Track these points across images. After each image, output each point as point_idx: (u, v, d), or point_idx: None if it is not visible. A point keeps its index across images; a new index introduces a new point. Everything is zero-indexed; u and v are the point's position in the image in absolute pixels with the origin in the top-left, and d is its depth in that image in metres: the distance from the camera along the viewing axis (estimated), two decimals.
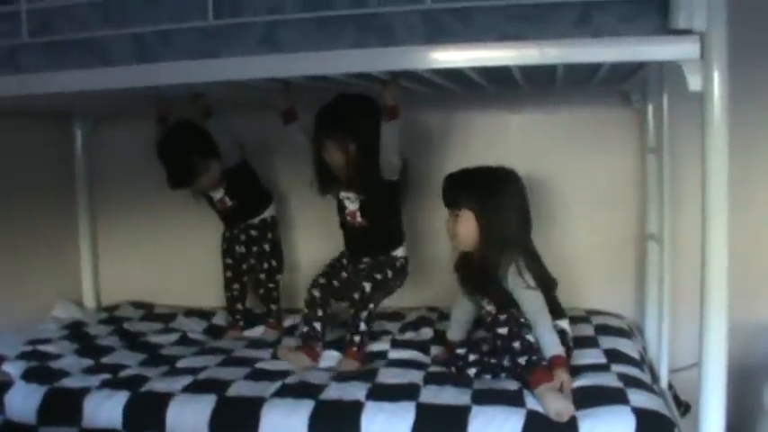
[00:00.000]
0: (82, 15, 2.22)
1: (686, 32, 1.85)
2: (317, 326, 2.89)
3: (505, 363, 2.50)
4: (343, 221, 2.99)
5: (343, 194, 2.95)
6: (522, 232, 2.64)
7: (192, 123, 3.14)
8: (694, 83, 1.90)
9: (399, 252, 2.98)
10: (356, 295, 2.81)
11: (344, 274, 2.99)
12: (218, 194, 3.31)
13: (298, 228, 3.65)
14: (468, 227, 2.58)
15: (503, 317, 2.49)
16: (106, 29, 2.19)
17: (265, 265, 3.36)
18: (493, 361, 2.56)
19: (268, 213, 3.39)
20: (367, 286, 2.81)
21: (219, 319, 3.47)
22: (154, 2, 2.15)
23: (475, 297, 2.74)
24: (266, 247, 3.36)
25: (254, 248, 3.36)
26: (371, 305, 2.82)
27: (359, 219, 2.92)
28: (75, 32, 2.22)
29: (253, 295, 3.43)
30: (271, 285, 3.36)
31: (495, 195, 2.59)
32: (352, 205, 2.93)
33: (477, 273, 2.64)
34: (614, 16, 1.91)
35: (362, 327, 2.79)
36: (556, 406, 2.24)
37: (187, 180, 3.15)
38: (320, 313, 2.91)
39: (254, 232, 3.36)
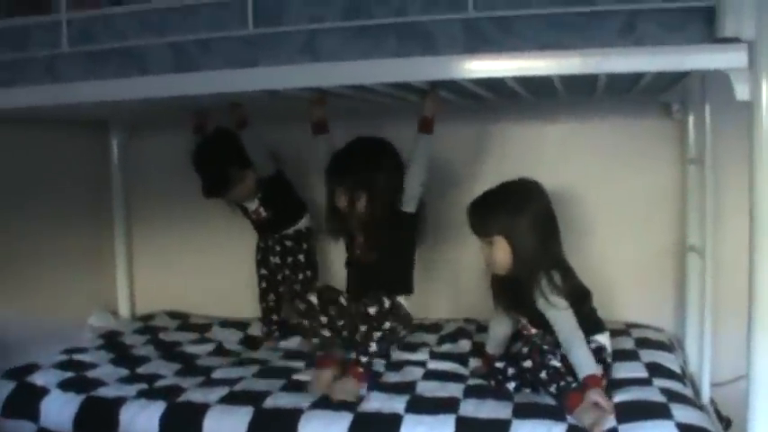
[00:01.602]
0: (121, 25, 2.23)
1: (734, 41, 1.82)
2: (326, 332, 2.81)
3: (543, 376, 2.47)
4: (350, 260, 2.93)
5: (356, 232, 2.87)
6: (553, 244, 2.61)
7: (229, 133, 3.13)
8: (742, 92, 1.86)
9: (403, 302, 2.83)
10: (371, 310, 2.70)
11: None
12: (252, 205, 3.31)
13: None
14: (502, 252, 2.54)
15: (525, 350, 2.53)
16: (145, 38, 2.20)
17: (300, 276, 3.34)
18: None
19: (303, 224, 3.38)
20: (386, 302, 2.73)
21: (255, 330, 3.45)
22: (193, 11, 2.15)
23: (511, 314, 2.72)
24: (301, 257, 3.35)
25: (289, 259, 3.35)
26: (387, 324, 2.70)
27: (367, 254, 2.83)
28: (115, 42, 2.23)
29: (288, 306, 3.39)
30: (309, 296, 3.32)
31: (522, 215, 2.54)
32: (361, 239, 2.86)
33: (512, 293, 2.63)
34: (659, 25, 1.88)
35: (373, 347, 2.66)
36: (590, 419, 2.22)
37: (221, 190, 3.15)
38: (324, 320, 2.81)
39: (288, 243, 3.35)
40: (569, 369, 2.43)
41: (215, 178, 3.13)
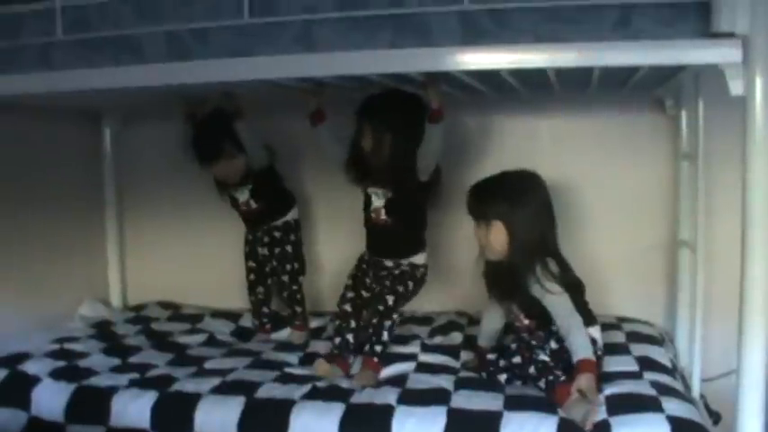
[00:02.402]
0: (116, 13, 2.23)
1: (728, 36, 1.82)
2: (350, 337, 2.86)
3: (531, 371, 2.49)
4: (367, 218, 2.94)
5: (371, 189, 2.91)
6: (549, 235, 2.61)
7: (228, 114, 3.09)
8: (736, 87, 1.87)
9: (420, 259, 2.93)
10: (380, 306, 2.80)
11: (368, 281, 2.97)
12: (242, 196, 3.29)
13: (322, 230, 3.64)
14: (499, 237, 2.55)
15: (514, 345, 2.58)
16: (141, 26, 2.20)
17: (288, 267, 3.32)
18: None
19: (291, 216, 3.36)
20: (390, 299, 2.80)
21: (246, 321, 3.45)
22: (188, 0, 2.15)
23: (504, 303, 2.72)
24: (288, 248, 3.33)
25: (277, 250, 3.33)
26: (395, 315, 2.82)
27: (383, 216, 2.87)
28: (110, 30, 2.22)
29: (277, 298, 3.41)
30: (294, 287, 3.32)
31: (522, 202, 2.56)
32: (378, 201, 2.88)
33: (507, 280, 2.62)
34: (654, 19, 1.89)
35: (385, 336, 2.77)
36: (579, 413, 2.23)
37: (213, 154, 3.13)
38: (353, 324, 2.89)
39: (277, 234, 3.33)
40: (558, 363, 2.45)
41: (210, 142, 3.11)
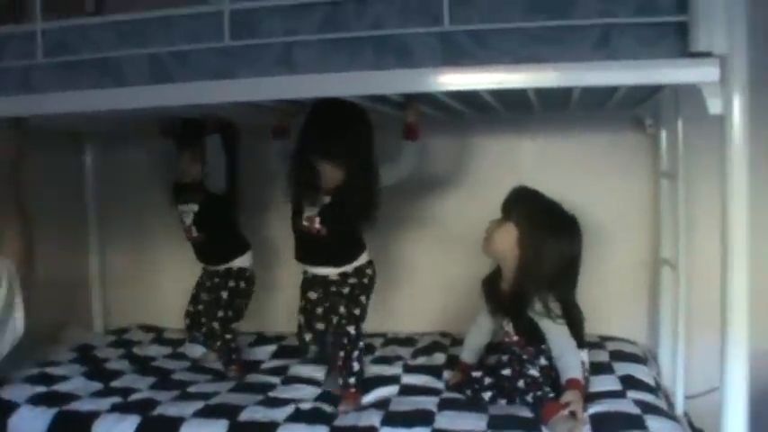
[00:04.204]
0: (97, 35, 2.21)
1: (706, 55, 1.84)
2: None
3: (520, 384, 2.50)
4: (297, 228, 2.78)
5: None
6: (564, 280, 2.60)
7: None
8: (714, 106, 1.88)
9: (363, 259, 2.81)
10: (344, 340, 2.70)
11: (319, 311, 2.84)
12: (187, 218, 3.13)
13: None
14: (505, 238, 2.58)
15: (505, 358, 2.60)
16: (121, 49, 2.19)
17: (219, 314, 3.08)
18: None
19: (238, 263, 3.15)
20: (351, 329, 2.71)
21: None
22: (170, 22, 2.15)
23: (497, 316, 2.72)
24: (224, 294, 3.11)
25: (213, 295, 3.12)
26: (360, 342, 2.75)
27: (317, 225, 2.70)
28: (91, 53, 2.21)
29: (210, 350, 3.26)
30: (227, 336, 3.09)
31: (546, 230, 2.56)
32: (310, 211, 2.72)
33: (507, 296, 2.63)
34: (633, 39, 1.89)
35: (356, 367, 2.70)
36: (563, 430, 2.24)
37: (189, 138, 3.02)
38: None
39: (216, 280, 3.15)
40: (547, 379, 2.45)
41: (193, 126, 3.00)
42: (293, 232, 2.79)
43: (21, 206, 2.64)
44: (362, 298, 2.76)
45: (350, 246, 2.79)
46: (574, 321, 2.57)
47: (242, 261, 3.16)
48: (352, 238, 2.79)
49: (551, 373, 2.48)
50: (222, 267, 3.14)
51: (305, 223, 2.72)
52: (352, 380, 2.69)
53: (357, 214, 2.68)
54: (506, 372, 2.52)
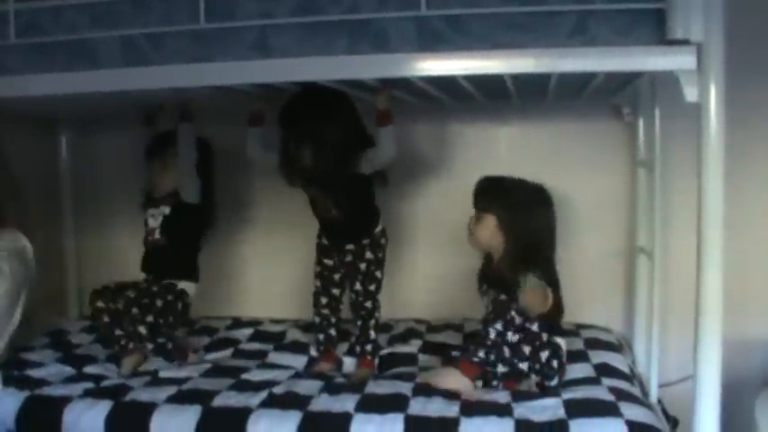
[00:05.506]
0: (71, 17, 2.19)
1: (683, 43, 1.84)
2: (332, 331, 2.98)
3: (500, 369, 2.53)
4: (318, 215, 2.90)
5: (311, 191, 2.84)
6: (544, 253, 2.63)
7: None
8: (691, 94, 1.89)
9: (378, 227, 2.92)
10: (363, 312, 2.89)
11: (336, 277, 2.96)
12: (154, 222, 3.10)
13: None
14: (485, 230, 2.63)
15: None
16: (95, 31, 2.17)
17: (149, 318, 2.96)
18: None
19: (182, 286, 3.08)
20: (368, 304, 2.89)
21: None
22: (144, 5, 2.13)
23: (486, 296, 2.73)
24: (158, 302, 3.01)
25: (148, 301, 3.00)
26: (377, 314, 2.91)
27: (333, 212, 2.81)
28: (64, 34, 2.19)
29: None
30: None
31: (521, 209, 2.61)
32: (324, 200, 2.82)
33: (496, 278, 2.66)
34: (610, 26, 1.90)
35: (372, 335, 2.90)
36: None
37: (155, 149, 3.08)
38: (333, 320, 2.99)
39: (170, 297, 3.05)
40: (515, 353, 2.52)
41: (159, 138, 3.08)
42: (316, 218, 2.92)
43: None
44: (378, 273, 2.90)
45: (367, 218, 2.91)
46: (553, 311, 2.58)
47: (187, 286, 3.11)
48: (368, 208, 2.91)
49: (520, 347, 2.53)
50: (165, 282, 3.06)
51: (323, 211, 2.85)
52: (369, 347, 2.90)
53: (359, 196, 2.84)
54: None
